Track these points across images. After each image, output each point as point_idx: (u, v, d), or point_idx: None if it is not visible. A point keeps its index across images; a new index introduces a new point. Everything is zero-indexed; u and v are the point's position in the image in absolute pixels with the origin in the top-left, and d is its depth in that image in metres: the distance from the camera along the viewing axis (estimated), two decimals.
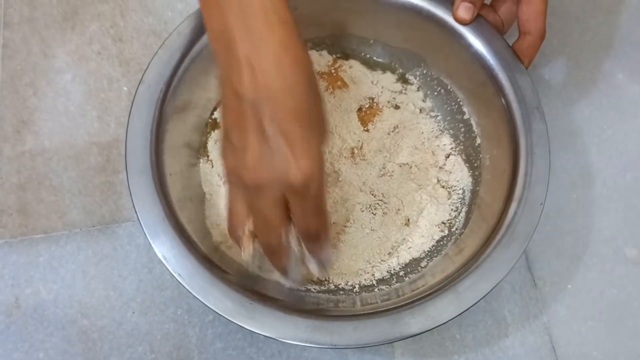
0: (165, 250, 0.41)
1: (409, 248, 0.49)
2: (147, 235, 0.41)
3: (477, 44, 0.47)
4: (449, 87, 0.52)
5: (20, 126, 0.54)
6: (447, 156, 0.52)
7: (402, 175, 0.51)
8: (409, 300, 0.41)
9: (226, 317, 0.39)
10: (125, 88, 0.56)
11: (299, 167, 0.34)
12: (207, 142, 0.51)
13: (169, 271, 0.40)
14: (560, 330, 0.49)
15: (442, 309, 0.40)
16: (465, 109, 0.51)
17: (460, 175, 0.51)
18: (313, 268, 0.42)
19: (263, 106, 0.34)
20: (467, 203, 0.49)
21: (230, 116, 0.36)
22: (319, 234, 0.39)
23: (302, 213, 0.37)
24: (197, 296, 0.40)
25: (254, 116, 0.34)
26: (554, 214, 0.52)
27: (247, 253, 0.41)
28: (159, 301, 0.49)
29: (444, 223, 0.49)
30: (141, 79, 0.45)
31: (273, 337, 0.39)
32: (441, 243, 0.48)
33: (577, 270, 0.51)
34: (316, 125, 0.36)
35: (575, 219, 0.52)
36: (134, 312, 0.49)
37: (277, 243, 0.39)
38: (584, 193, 0.53)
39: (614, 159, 0.54)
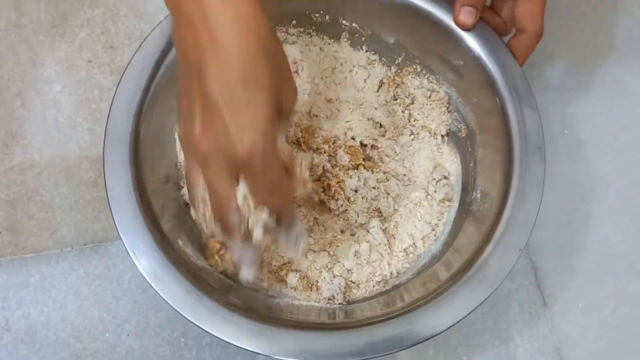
0: (124, 225, 0.40)
1: (383, 269, 0.47)
2: (110, 205, 0.40)
3: (494, 68, 0.44)
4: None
5: (8, 139, 0.52)
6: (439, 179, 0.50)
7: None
8: (360, 323, 0.39)
9: (167, 301, 0.38)
10: None
11: (242, 139, 0.31)
12: None
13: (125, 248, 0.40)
14: (572, 351, 0.47)
15: (391, 338, 0.38)
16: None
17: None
18: (284, 246, 0.40)
19: (205, 69, 0.31)
20: (447, 233, 0.47)
21: (179, 83, 0.34)
22: (277, 209, 0.36)
23: (254, 188, 0.34)
24: (145, 276, 0.39)
25: (199, 82, 0.32)
26: (565, 227, 0.50)
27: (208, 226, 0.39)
28: (154, 323, 0.47)
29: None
30: (140, 46, 0.44)
31: (209, 331, 0.38)
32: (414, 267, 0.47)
33: (588, 287, 0.49)
34: (265, 88, 0.32)
35: (587, 233, 0.50)
36: (128, 335, 0.47)
37: (225, 213, 0.35)
38: (596, 206, 0.51)
39: (628, 169, 0.52)
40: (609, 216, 0.51)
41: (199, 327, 0.38)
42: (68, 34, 0.56)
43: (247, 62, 0.31)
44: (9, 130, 0.52)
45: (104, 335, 0.47)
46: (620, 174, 0.52)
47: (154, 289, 0.39)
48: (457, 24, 0.45)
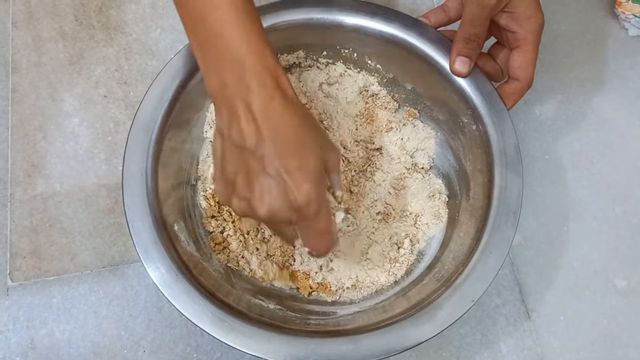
0: (130, 200, 0.45)
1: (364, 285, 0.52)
2: (122, 181, 0.46)
3: (491, 130, 0.48)
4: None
5: (31, 170, 0.56)
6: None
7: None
8: (312, 333, 0.44)
9: (149, 274, 0.43)
10: None
11: (299, 191, 0.39)
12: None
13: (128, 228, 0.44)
14: None
15: (335, 352, 0.42)
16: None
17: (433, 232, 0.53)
18: None
19: (262, 150, 0.38)
20: (424, 266, 0.51)
21: (232, 164, 0.40)
22: (322, 254, 0.43)
23: (308, 235, 0.42)
24: (139, 253, 0.44)
25: (256, 160, 0.39)
26: (547, 246, 0.54)
27: None
28: (169, 339, 0.51)
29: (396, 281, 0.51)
30: (168, 62, 0.48)
31: (179, 309, 0.42)
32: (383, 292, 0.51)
33: (569, 302, 0.53)
34: (311, 151, 0.40)
35: (567, 252, 0.54)
36: (144, 351, 0.51)
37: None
38: (575, 226, 0.55)
39: (603, 192, 0.56)
40: (586, 236, 0.55)
41: (170, 302, 0.43)
42: (85, 71, 0.60)
43: (295, 139, 0.39)
44: (31, 162, 0.56)
45: (122, 352, 0.51)
46: (596, 196, 0.56)
47: (141, 260, 0.43)
48: (452, 71, 0.49)
